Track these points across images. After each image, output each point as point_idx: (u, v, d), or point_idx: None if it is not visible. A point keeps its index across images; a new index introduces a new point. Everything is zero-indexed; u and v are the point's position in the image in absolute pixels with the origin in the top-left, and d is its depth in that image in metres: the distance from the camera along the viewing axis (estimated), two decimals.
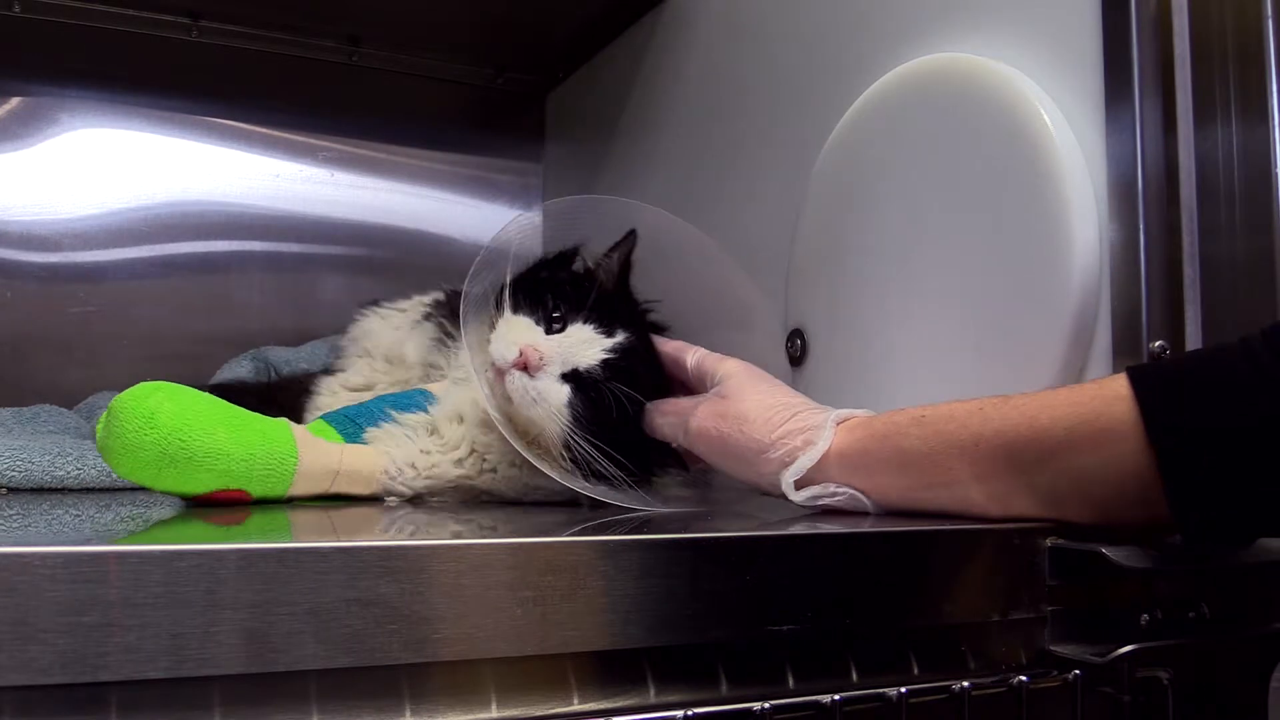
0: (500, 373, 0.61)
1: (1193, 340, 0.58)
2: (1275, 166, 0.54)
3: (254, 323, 1.23)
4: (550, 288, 0.66)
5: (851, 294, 0.75)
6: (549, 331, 0.63)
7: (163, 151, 1.21)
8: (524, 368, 0.60)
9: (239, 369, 1.03)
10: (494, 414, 0.61)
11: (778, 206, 0.85)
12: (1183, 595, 0.49)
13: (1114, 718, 0.48)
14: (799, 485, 0.55)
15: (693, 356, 0.65)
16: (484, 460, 0.65)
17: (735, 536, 0.44)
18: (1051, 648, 0.48)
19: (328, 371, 0.83)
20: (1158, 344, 0.57)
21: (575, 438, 0.60)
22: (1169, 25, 0.58)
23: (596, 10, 1.16)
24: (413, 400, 0.68)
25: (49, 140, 1.16)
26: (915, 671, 0.46)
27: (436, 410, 0.66)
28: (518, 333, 0.62)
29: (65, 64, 1.18)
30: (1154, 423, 0.44)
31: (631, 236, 0.69)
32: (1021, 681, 0.47)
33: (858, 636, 0.45)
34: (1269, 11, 0.55)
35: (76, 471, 0.76)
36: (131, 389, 0.52)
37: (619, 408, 0.61)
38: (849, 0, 0.80)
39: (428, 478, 0.63)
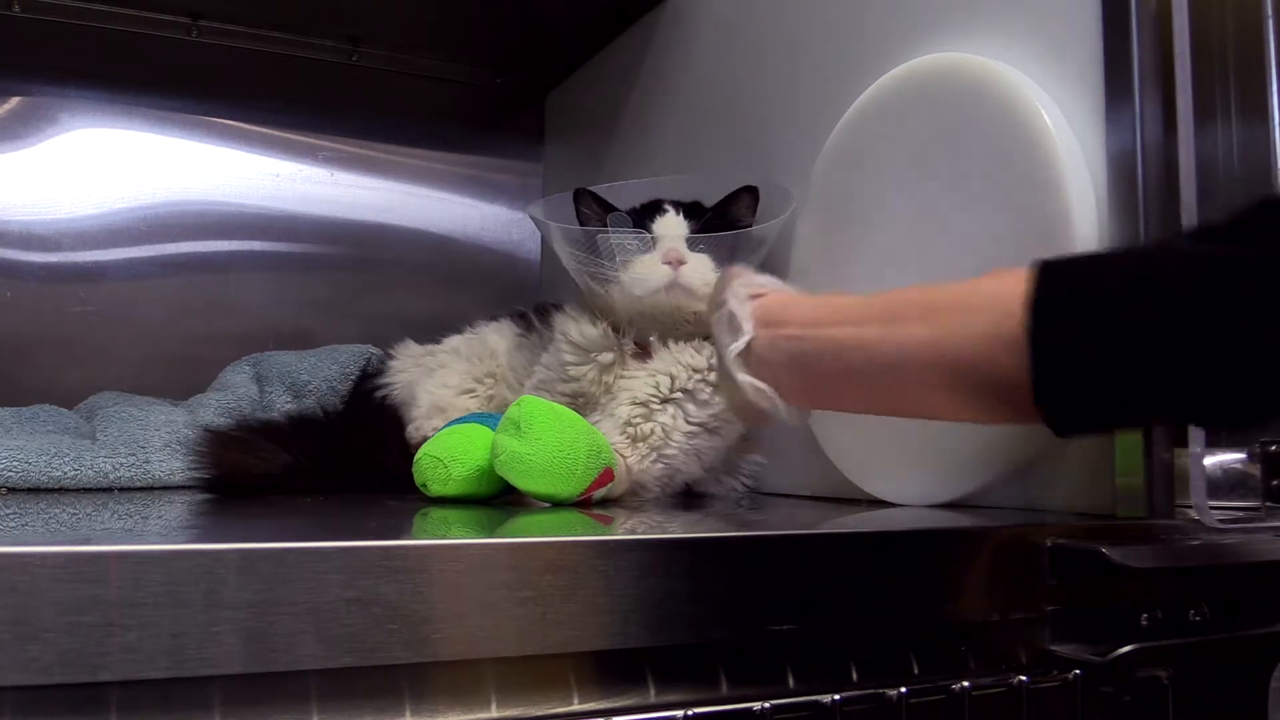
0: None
1: None
2: (1275, 166, 0.54)
3: (254, 323, 1.22)
4: None
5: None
6: None
7: (163, 151, 1.21)
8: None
9: (238, 375, 1.03)
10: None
11: (777, 207, 0.85)
12: (1183, 595, 0.49)
13: (1114, 718, 0.48)
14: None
15: None
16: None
17: (735, 536, 0.44)
18: (1051, 648, 0.48)
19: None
20: None
21: None
22: (1169, 25, 0.58)
23: (596, 10, 1.16)
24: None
25: (49, 140, 1.16)
26: (915, 671, 0.46)
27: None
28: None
29: (65, 64, 1.18)
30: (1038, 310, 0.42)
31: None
32: (1021, 681, 0.47)
33: (858, 636, 0.45)
34: (1269, 11, 0.55)
35: (74, 472, 0.76)
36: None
37: None
38: (848, 1, 0.80)
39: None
